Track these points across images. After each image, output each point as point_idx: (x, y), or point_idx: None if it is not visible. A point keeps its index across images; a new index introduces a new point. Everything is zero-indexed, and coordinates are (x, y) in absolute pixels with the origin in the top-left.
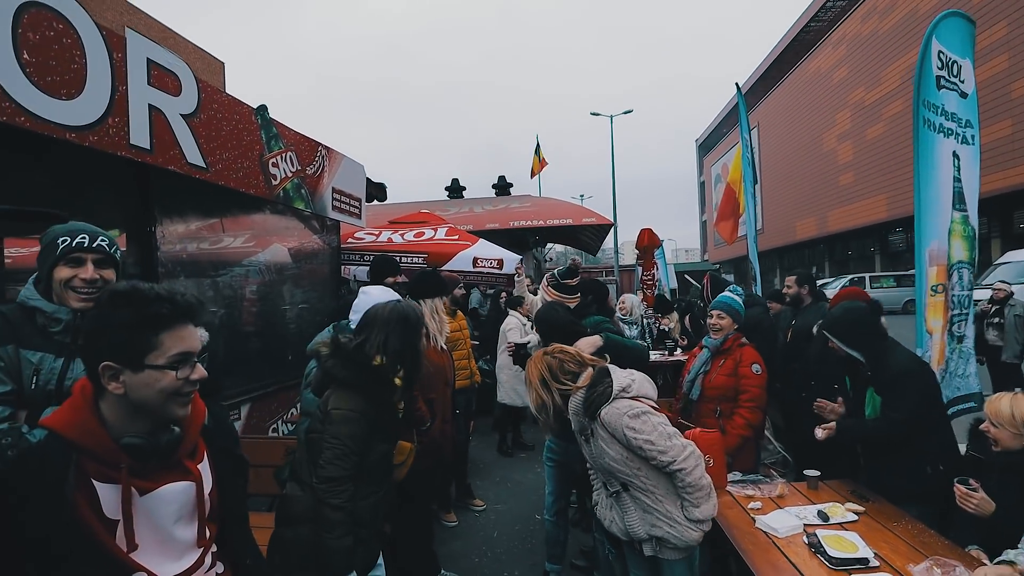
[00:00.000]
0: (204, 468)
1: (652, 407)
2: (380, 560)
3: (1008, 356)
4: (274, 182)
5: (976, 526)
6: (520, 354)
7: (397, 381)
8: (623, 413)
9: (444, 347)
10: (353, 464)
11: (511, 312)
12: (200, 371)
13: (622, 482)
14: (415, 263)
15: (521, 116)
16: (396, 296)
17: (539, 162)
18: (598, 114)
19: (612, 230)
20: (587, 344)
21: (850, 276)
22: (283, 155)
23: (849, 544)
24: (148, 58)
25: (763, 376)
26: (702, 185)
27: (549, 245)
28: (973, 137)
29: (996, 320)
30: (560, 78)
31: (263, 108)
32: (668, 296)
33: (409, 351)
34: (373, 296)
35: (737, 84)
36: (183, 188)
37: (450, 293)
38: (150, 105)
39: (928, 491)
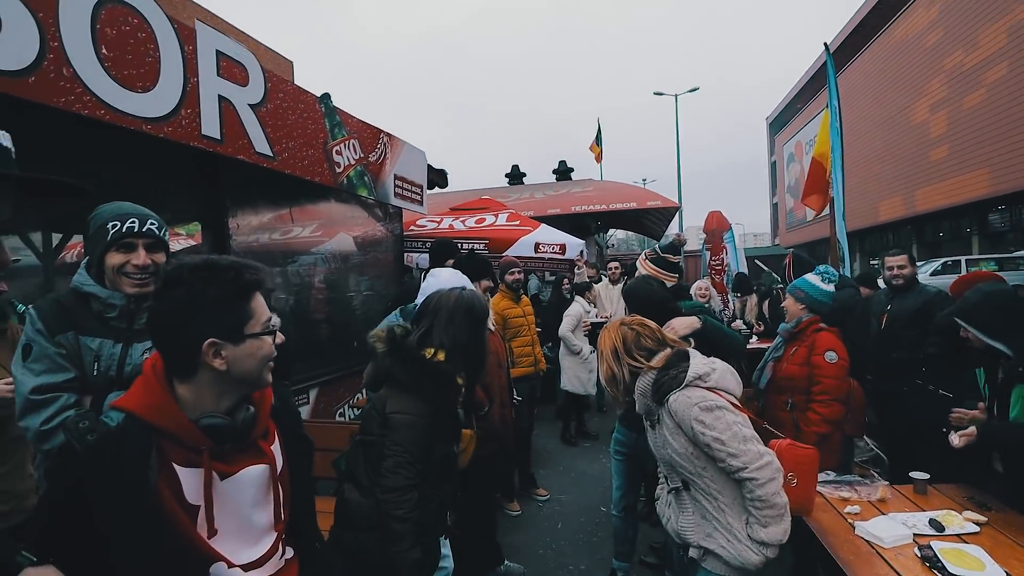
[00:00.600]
0: (276, 450)
1: (732, 403)
2: (447, 550)
3: None
4: (338, 170)
5: None
6: (597, 334)
7: (459, 380)
8: (694, 403)
9: (492, 328)
10: (417, 472)
11: (577, 299)
12: (280, 336)
13: (684, 479)
14: (477, 249)
15: (583, 100)
16: (464, 280)
17: (595, 148)
18: (662, 93)
19: (678, 214)
20: (682, 325)
21: (943, 259)
22: (346, 143)
23: (974, 561)
24: (217, 49)
25: (840, 365)
26: (773, 165)
27: (612, 231)
28: None
29: None
30: (621, 58)
31: (327, 96)
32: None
33: (474, 346)
34: (442, 279)
35: (826, 44)
36: (252, 178)
37: (500, 278)
38: (219, 95)
39: None
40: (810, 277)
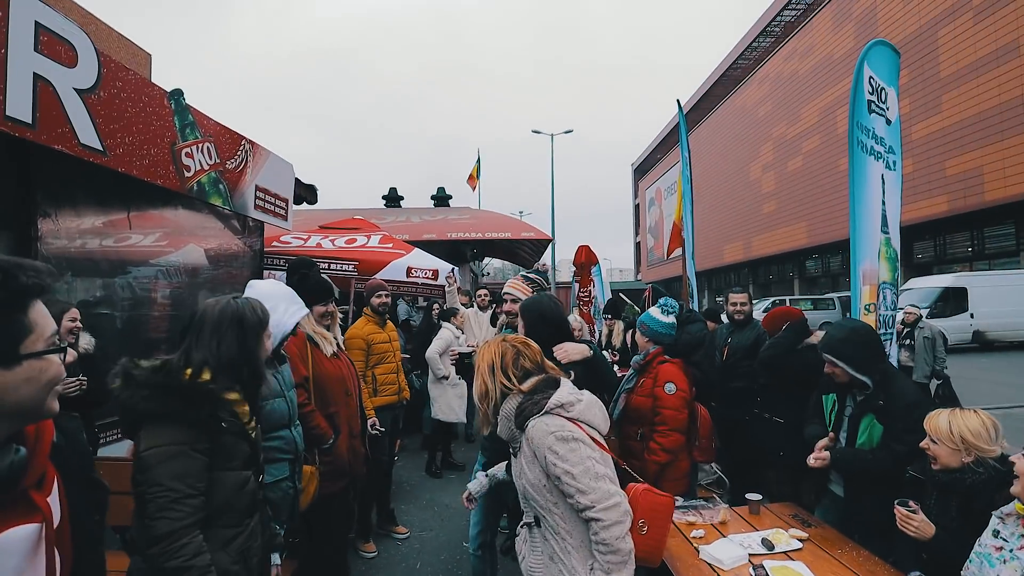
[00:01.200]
0: (53, 501)
1: (595, 439)
2: None
3: (918, 376)
4: (187, 174)
5: (916, 549)
6: (464, 363)
7: (232, 396)
8: (551, 432)
9: (337, 352)
10: (192, 509)
11: (444, 324)
12: (71, 352)
13: (536, 513)
14: (346, 271)
15: (463, 130)
16: (288, 294)
17: (476, 179)
18: (539, 132)
19: (550, 246)
20: (575, 350)
21: (772, 298)
22: (199, 145)
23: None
24: (37, 21)
25: (679, 396)
26: (636, 207)
27: (487, 259)
28: (895, 163)
29: (907, 342)
30: (503, 97)
31: (178, 92)
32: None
33: (246, 360)
34: (259, 291)
35: (678, 101)
36: (77, 175)
37: (366, 301)
38: (36, 74)
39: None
40: (652, 311)
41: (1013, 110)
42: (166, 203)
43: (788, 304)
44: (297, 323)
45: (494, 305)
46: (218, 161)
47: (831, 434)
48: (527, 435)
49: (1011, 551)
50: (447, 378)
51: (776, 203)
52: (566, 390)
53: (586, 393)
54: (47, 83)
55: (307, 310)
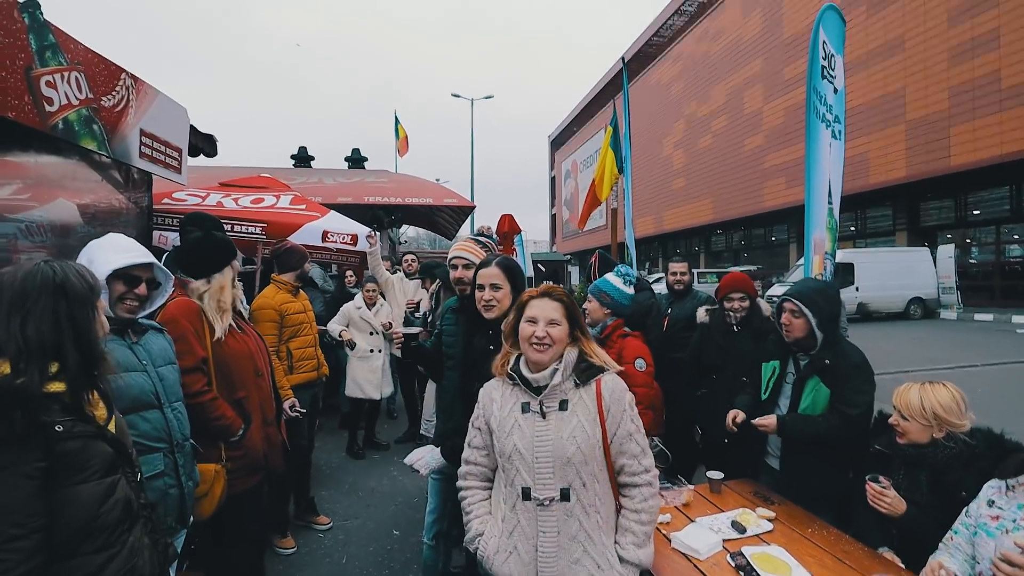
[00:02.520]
0: None
1: None
2: None
3: None
4: (49, 108)
5: (882, 525)
6: (411, 347)
7: (55, 387)
8: (626, 389)
9: (242, 327)
10: (20, 556)
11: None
12: None
13: (568, 485)
14: (251, 233)
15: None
16: (114, 243)
17: (403, 139)
18: (459, 96)
19: (471, 214)
20: None
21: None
22: (65, 74)
23: (781, 565)
24: None
25: (649, 372)
26: (552, 180)
27: (404, 227)
28: (840, 133)
29: None
30: (421, 60)
31: (34, 3)
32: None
33: (73, 336)
34: (89, 247)
35: (623, 58)
36: None
37: (297, 268)
38: None
39: (840, 494)
40: (611, 279)
41: (895, 101)
42: (24, 146)
43: (696, 276)
44: (125, 269)
45: (422, 277)
46: (90, 96)
47: (739, 412)
48: (602, 388)
49: (1014, 521)
50: (351, 346)
51: (685, 179)
52: None
53: None
54: None
55: (149, 259)
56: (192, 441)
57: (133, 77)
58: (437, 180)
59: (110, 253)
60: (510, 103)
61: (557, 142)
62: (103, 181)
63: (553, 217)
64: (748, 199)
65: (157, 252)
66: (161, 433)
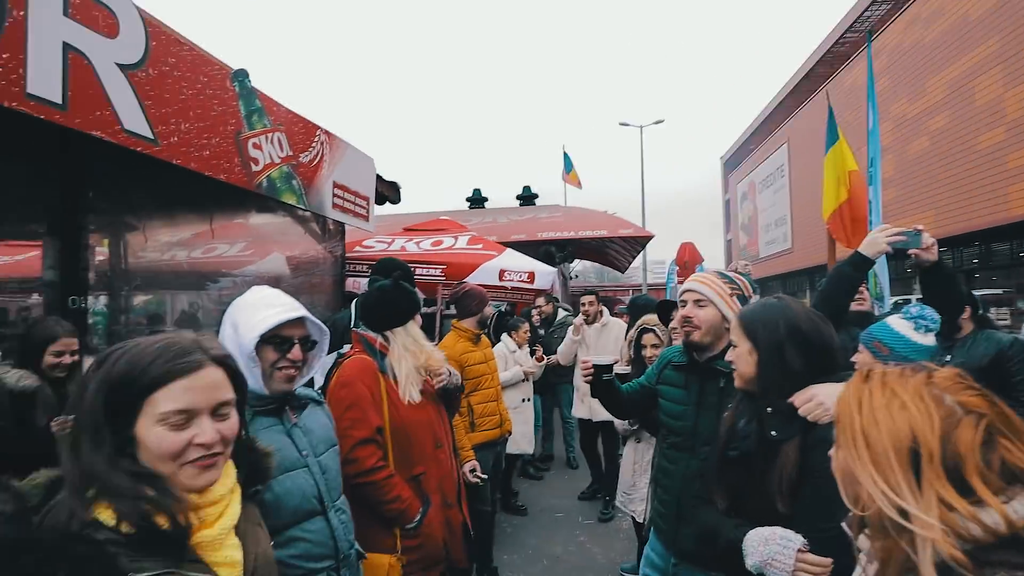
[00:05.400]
0: None
1: None
2: None
3: None
4: (255, 168)
5: None
6: (602, 382)
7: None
8: None
9: (415, 397)
10: None
11: (503, 338)
12: None
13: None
14: (432, 276)
15: (546, 128)
16: (259, 299)
17: (573, 174)
18: (627, 124)
19: (645, 245)
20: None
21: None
22: (268, 135)
23: None
24: None
25: None
26: (727, 203)
27: (576, 261)
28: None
29: None
30: (587, 87)
31: (243, 73)
32: None
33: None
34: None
35: (870, 32)
36: (128, 168)
37: (476, 312)
38: (66, 44)
39: None
40: (895, 323)
41: None
42: (241, 206)
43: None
44: (274, 330)
45: (622, 315)
46: (290, 154)
47: None
48: None
49: None
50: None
51: (896, 190)
52: None
53: None
54: (81, 55)
55: (300, 312)
56: (357, 547)
57: (326, 132)
58: (605, 212)
59: (257, 311)
60: (679, 124)
61: (731, 163)
62: (305, 233)
63: (729, 243)
64: (986, 207)
65: (350, 297)
66: (326, 548)
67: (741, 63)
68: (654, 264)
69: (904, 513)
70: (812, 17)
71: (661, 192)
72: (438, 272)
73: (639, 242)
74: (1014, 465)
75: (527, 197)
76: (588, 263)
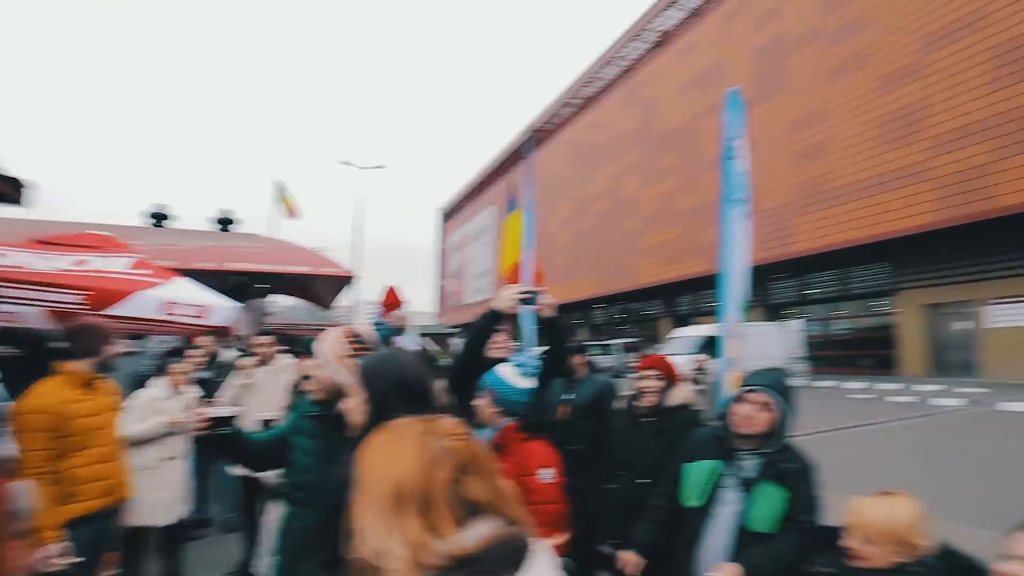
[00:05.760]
0: None
1: None
2: None
3: (708, 417)
4: None
5: None
6: (218, 435)
7: None
8: None
9: None
10: None
11: (150, 383)
12: None
13: None
14: (67, 303)
15: (264, 154)
16: None
17: (290, 206)
18: (349, 164)
19: (351, 285)
20: None
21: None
22: None
23: None
24: None
25: (558, 483)
26: (442, 251)
27: (276, 296)
28: (747, 212)
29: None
30: (308, 124)
31: None
32: None
33: None
34: None
35: (532, 130)
36: None
37: (96, 353)
38: None
39: None
40: (500, 370)
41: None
42: None
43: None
44: None
45: (291, 355)
46: None
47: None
48: None
49: None
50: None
51: (570, 256)
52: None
53: None
54: None
55: None
56: None
57: None
58: (314, 249)
59: None
60: (403, 174)
61: (448, 214)
62: None
63: (441, 288)
64: (626, 275)
65: None
66: None
67: (467, 121)
68: (369, 305)
69: (379, 552)
70: (526, 97)
71: (384, 237)
72: (79, 299)
73: (343, 282)
74: (475, 499)
75: (224, 220)
76: (300, 299)
